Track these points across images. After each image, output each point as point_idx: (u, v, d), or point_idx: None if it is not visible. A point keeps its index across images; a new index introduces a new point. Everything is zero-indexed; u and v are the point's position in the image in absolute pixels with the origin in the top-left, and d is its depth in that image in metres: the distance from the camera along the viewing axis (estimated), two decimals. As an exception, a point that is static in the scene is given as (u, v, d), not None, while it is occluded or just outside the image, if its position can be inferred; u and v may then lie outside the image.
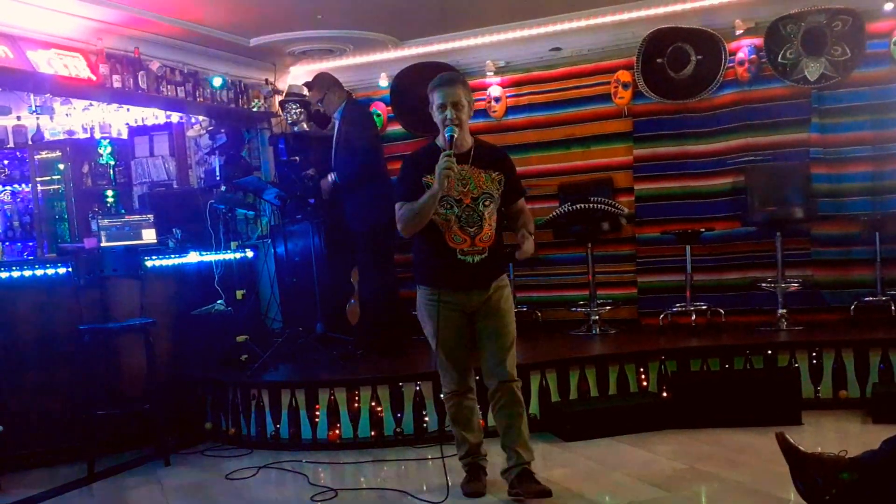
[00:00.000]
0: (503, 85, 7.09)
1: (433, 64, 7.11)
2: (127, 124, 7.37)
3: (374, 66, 7.37)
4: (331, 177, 6.09)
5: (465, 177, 3.72)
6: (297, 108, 7.03)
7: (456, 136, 3.65)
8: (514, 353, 3.85)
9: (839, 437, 4.60)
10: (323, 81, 6.20)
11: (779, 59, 6.24)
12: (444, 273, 3.75)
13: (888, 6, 5.85)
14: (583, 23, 6.67)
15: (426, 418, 5.01)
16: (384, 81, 7.32)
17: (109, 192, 7.08)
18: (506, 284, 3.88)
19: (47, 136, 7.26)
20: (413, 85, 7.14)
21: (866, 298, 5.92)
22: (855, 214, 6.08)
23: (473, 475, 3.94)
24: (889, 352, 5.09)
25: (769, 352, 5.28)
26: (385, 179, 6.08)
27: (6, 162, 7.52)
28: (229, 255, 6.17)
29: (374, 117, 7.37)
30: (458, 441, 3.96)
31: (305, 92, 6.73)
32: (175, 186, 7.30)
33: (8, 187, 7.58)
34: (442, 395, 3.95)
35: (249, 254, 6.62)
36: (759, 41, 6.31)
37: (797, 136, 6.29)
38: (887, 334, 5.34)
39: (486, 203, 3.74)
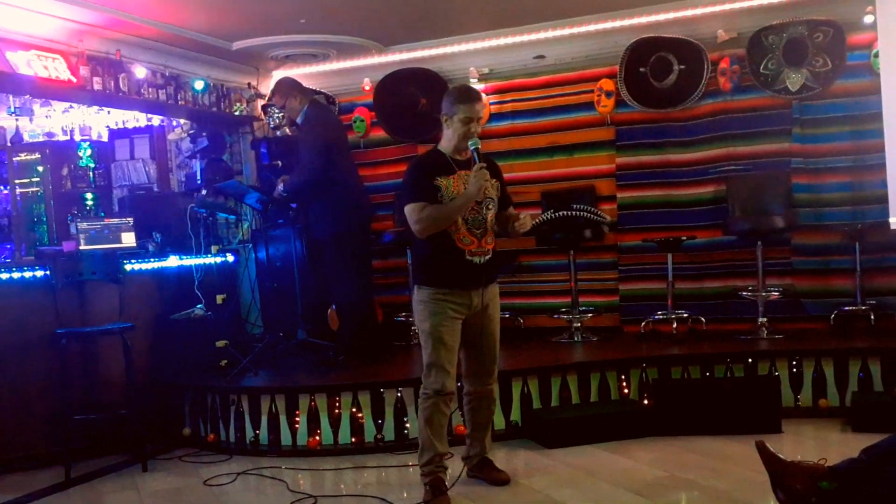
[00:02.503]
0: (487, 92, 7.08)
1: (417, 70, 7.12)
2: (107, 127, 7.31)
3: (357, 71, 7.36)
4: (279, 187, 5.99)
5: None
6: (279, 112, 7.00)
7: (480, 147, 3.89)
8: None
9: (819, 445, 4.61)
10: (282, 87, 6.09)
11: (760, 70, 6.29)
12: (452, 273, 3.87)
13: (868, 18, 5.90)
14: (566, 31, 6.70)
15: (407, 425, 4.98)
16: (368, 87, 7.30)
17: (89, 195, 7.02)
18: (497, 290, 4.11)
19: (26, 138, 7.19)
20: (396, 91, 7.14)
21: (846, 308, 5.96)
22: (835, 224, 6.11)
23: (437, 489, 3.87)
24: (868, 361, 5.12)
25: (750, 360, 5.30)
26: (349, 185, 5.96)
27: (-16, 164, 7.44)
28: (210, 260, 6.13)
29: (359, 122, 7.36)
30: (425, 447, 3.89)
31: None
32: (155, 190, 7.26)
33: (-14, 189, 7.51)
34: (421, 395, 3.91)
35: (230, 258, 6.59)
36: (741, 51, 6.36)
37: (778, 146, 6.33)
38: (867, 343, 5.38)
39: (489, 207, 3.95)
